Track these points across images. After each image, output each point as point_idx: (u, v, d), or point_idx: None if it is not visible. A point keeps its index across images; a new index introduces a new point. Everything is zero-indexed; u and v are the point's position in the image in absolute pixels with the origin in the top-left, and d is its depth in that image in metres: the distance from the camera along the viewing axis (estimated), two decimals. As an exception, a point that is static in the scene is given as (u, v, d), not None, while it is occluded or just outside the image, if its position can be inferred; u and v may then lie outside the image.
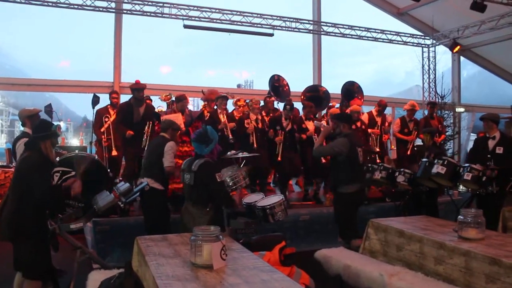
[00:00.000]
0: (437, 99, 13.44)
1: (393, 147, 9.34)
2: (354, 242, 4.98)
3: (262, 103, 8.43)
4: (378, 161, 8.01)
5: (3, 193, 7.50)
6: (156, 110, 7.63)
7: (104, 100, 7.71)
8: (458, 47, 13.12)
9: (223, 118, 7.15)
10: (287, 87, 9.74)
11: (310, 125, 7.80)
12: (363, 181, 5.33)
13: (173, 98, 7.56)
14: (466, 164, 5.82)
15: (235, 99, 8.55)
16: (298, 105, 8.98)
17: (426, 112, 9.28)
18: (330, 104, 9.32)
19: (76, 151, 7.10)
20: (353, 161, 5.08)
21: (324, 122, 7.94)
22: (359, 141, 5.40)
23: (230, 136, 6.99)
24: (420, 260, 3.92)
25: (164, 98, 7.89)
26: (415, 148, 8.49)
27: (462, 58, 15.35)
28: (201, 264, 2.69)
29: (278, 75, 9.70)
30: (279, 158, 7.25)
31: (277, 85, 9.59)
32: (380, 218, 4.80)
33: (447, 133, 12.98)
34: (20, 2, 9.59)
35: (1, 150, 11.80)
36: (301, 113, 8.39)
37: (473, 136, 14.84)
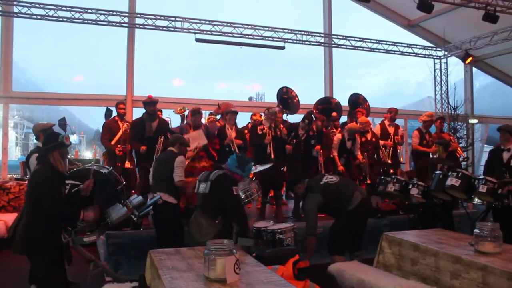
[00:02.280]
0: (449, 110, 13.34)
1: (401, 159, 9.12)
2: (334, 258, 4.90)
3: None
4: (391, 171, 7.93)
5: (18, 205, 7.59)
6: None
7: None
8: (471, 58, 13.04)
9: (233, 134, 7.14)
10: (296, 99, 9.65)
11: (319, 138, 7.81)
12: (363, 191, 5.18)
13: (186, 113, 7.60)
14: (481, 177, 5.74)
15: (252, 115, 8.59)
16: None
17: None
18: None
19: (91, 164, 7.09)
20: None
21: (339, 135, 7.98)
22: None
23: (237, 152, 6.91)
24: (435, 274, 3.86)
25: (178, 111, 7.90)
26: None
27: (474, 69, 15.25)
28: (214, 278, 2.68)
29: (287, 87, 9.64)
30: (284, 169, 7.19)
31: (286, 97, 9.54)
32: (394, 231, 4.75)
33: (460, 145, 12.85)
34: (36, 18, 9.78)
35: (16, 163, 11.91)
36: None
37: (487, 148, 14.68)
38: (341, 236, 5.03)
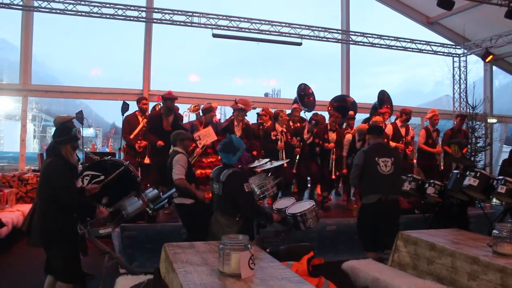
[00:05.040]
0: (468, 109, 13.14)
1: (414, 160, 8.88)
2: (367, 254, 4.95)
3: (288, 111, 8.44)
4: None
5: (35, 196, 7.70)
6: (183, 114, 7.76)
7: (133, 107, 7.83)
8: (491, 56, 12.80)
9: (238, 132, 7.18)
10: (312, 98, 9.57)
11: (332, 136, 7.76)
12: (387, 192, 4.93)
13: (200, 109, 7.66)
14: (501, 177, 5.65)
15: (261, 110, 8.57)
16: (325, 114, 8.92)
17: (454, 123, 8.95)
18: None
19: (109, 156, 7.14)
20: (370, 171, 5.00)
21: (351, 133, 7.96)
22: (385, 152, 5.14)
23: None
24: (452, 274, 3.80)
25: (193, 109, 7.92)
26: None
27: (494, 67, 14.99)
28: (229, 273, 2.67)
29: (305, 84, 9.62)
30: (294, 170, 7.26)
31: (303, 94, 9.51)
32: (409, 231, 4.70)
33: (478, 145, 12.65)
34: (56, 12, 9.88)
35: (34, 155, 12.09)
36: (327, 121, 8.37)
37: (506, 148, 14.43)
38: (358, 230, 5.25)
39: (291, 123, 8.17)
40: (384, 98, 9.74)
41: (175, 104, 7.52)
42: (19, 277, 5.31)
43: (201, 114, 7.58)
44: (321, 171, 7.93)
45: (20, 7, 9.84)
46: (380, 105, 9.47)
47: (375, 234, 4.99)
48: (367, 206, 5.05)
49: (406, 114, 8.42)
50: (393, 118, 10.02)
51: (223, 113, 12.19)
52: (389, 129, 8.33)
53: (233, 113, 7.65)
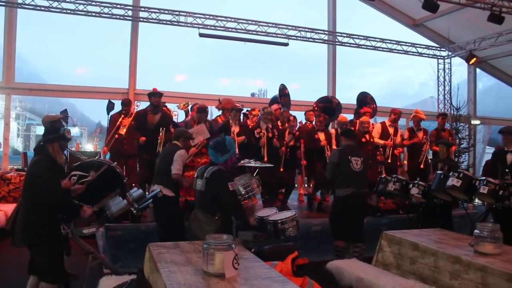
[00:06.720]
0: (452, 111, 13.31)
1: (405, 161, 8.99)
2: (335, 242, 5.60)
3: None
4: (383, 174, 7.80)
5: (18, 196, 7.59)
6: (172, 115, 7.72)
7: (119, 106, 7.75)
8: (475, 59, 12.99)
9: (236, 129, 7.15)
10: (287, 99, 9.59)
11: (322, 136, 7.77)
12: (358, 187, 5.54)
13: (190, 107, 7.62)
14: (483, 178, 5.72)
15: (250, 110, 8.56)
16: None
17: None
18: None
19: (96, 158, 7.04)
20: (344, 168, 5.58)
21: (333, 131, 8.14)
22: (356, 152, 5.78)
23: (237, 151, 6.93)
24: (434, 274, 3.86)
25: (182, 107, 7.92)
26: (429, 161, 8.35)
27: (478, 70, 15.21)
28: (213, 272, 2.68)
29: (284, 85, 9.62)
30: (281, 169, 7.37)
31: (281, 94, 9.54)
32: (393, 231, 4.75)
33: (462, 146, 12.81)
34: (40, 9, 9.75)
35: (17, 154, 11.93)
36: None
37: (489, 149, 14.64)
38: (332, 220, 5.81)
39: (279, 123, 8.19)
40: (367, 100, 9.79)
41: (166, 105, 7.49)
42: (2, 277, 5.23)
43: (189, 111, 7.56)
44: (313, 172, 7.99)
45: (3, 4, 9.69)
46: (360, 107, 9.50)
47: (346, 225, 5.55)
48: (342, 199, 5.61)
49: (395, 114, 8.56)
50: (378, 119, 10.13)
51: (209, 112, 12.13)
52: (377, 128, 8.44)
53: (230, 111, 7.53)
